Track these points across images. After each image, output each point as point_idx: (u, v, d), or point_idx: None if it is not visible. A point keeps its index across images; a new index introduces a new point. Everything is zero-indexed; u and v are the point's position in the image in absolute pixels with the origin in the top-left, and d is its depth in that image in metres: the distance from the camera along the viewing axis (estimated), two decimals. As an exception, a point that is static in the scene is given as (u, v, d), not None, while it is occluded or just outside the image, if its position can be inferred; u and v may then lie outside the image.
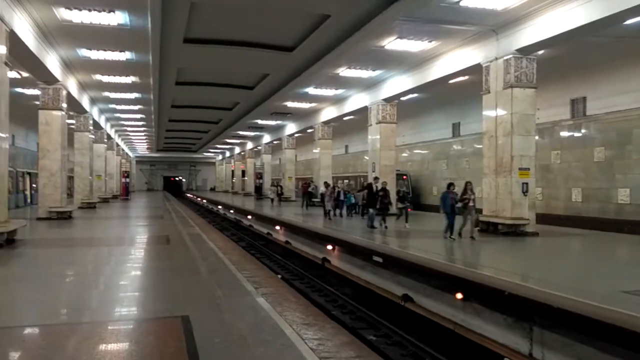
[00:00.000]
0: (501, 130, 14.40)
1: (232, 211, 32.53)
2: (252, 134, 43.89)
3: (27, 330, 5.78)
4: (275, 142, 42.27)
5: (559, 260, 11.01)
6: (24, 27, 13.39)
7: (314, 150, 31.29)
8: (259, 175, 45.83)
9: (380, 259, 11.18)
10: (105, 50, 16.99)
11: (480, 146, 16.88)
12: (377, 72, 19.74)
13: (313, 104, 27.74)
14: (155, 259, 11.19)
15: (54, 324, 5.88)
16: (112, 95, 25.61)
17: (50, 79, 18.03)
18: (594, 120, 18.04)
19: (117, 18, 13.64)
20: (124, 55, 17.53)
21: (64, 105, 19.24)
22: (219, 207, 38.66)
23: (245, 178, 50.99)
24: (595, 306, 6.12)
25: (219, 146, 59.10)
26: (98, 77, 21.30)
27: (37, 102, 18.95)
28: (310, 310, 9.02)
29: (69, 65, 19.16)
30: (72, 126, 25.80)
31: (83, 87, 23.41)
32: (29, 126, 28.11)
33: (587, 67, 17.51)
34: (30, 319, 6.28)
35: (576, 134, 18.92)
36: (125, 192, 45.42)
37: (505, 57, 14.07)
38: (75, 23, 13.94)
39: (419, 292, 9.74)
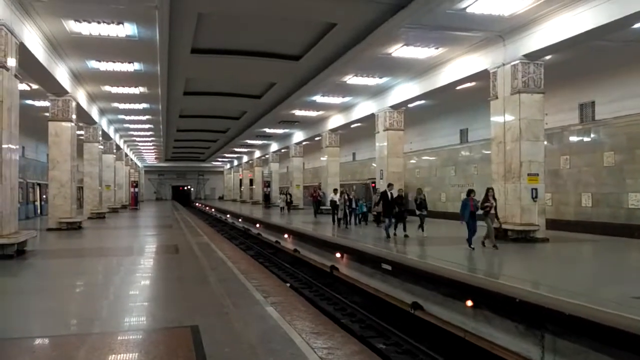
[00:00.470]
0: (509, 135, 14.35)
1: (240, 220, 32.59)
2: (259, 142, 44.05)
3: (38, 341, 5.80)
4: (283, 150, 42.38)
5: (569, 267, 10.92)
6: (33, 40, 13.58)
7: (322, 158, 31.36)
8: (266, 184, 45.94)
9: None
10: (114, 61, 17.19)
11: (489, 152, 16.78)
12: (384, 80, 19.76)
13: (320, 112, 27.81)
14: (164, 268, 11.21)
15: (64, 335, 5.90)
16: (121, 106, 25.84)
17: (59, 91, 18.23)
18: (603, 125, 17.89)
19: (126, 30, 13.81)
20: (133, 67, 17.72)
21: (74, 116, 19.42)
22: (228, 216, 38.74)
23: (253, 187, 51.12)
24: (607, 312, 6.06)
25: (227, 155, 59.34)
26: (107, 88, 21.51)
27: (47, 114, 19.14)
28: (319, 319, 8.96)
29: (78, 77, 19.37)
30: (82, 137, 26.10)
31: (92, 98, 23.64)
32: (39, 138, 28.43)
33: (595, 71, 17.41)
34: (41, 329, 6.30)
35: (585, 139, 18.76)
36: (134, 202, 45.74)
37: (512, 63, 14.05)
38: (84, 35, 14.13)
39: (428, 300, 9.67)
